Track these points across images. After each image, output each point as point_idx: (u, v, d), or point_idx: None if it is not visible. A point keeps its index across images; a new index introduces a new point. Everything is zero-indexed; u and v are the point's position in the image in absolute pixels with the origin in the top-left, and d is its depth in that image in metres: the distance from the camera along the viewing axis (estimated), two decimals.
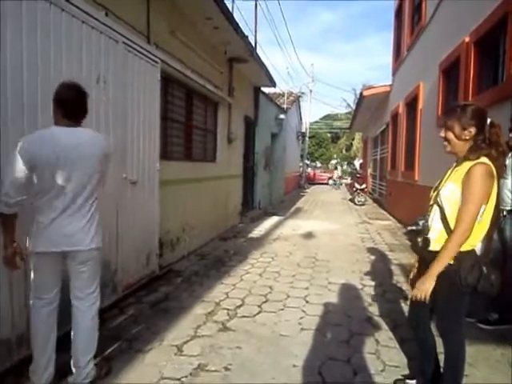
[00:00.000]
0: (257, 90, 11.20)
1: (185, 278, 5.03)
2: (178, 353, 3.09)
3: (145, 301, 4.18)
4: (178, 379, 2.71)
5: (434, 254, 2.24)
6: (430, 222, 2.29)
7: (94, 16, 3.38)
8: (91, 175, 2.45)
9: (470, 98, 5.40)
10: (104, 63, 3.59)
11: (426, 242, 2.28)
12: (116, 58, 3.78)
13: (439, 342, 2.43)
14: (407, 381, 2.67)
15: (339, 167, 33.43)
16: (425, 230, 2.31)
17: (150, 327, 3.54)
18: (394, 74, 12.69)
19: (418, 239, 2.39)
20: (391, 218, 11.54)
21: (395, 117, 11.76)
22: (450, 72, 6.59)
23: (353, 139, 43.13)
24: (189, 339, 3.33)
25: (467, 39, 5.63)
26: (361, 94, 14.29)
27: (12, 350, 2.67)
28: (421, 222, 2.39)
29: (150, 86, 4.53)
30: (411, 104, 9.57)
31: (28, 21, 2.67)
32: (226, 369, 2.87)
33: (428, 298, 2.11)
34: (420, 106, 8.53)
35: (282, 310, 4.05)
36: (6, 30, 2.51)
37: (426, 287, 2.11)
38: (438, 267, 2.09)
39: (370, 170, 19.11)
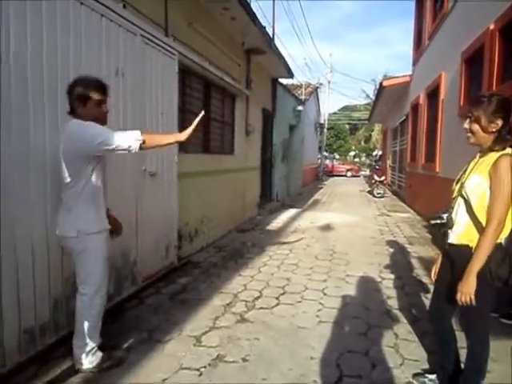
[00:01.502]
0: (274, 82, 11.13)
1: (203, 270, 5.07)
2: (196, 343, 3.12)
3: (164, 292, 4.23)
4: (197, 369, 2.74)
5: (458, 248, 2.19)
6: (453, 215, 2.24)
7: (112, 9, 3.39)
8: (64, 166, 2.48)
9: (494, 88, 5.25)
10: (122, 56, 3.61)
11: (449, 236, 2.24)
12: (134, 51, 3.80)
13: (460, 336, 2.39)
14: (427, 375, 2.64)
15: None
16: (449, 224, 2.26)
17: (169, 318, 3.58)
18: (414, 63, 12.44)
19: (441, 233, 2.34)
20: (410, 210, 11.38)
21: (415, 107, 11.54)
22: (473, 61, 6.41)
23: (372, 130, 42.61)
24: (207, 330, 3.36)
25: (492, 27, 5.46)
26: (381, 84, 14.06)
27: (35, 339, 2.74)
28: (444, 216, 2.34)
29: (168, 79, 4.54)
30: (432, 94, 9.37)
31: (48, 15, 2.70)
32: (244, 360, 2.89)
33: (474, 299, 2.02)
34: (441, 96, 8.34)
35: (300, 302, 4.05)
36: (27, 25, 2.54)
37: (469, 289, 2.02)
38: (477, 265, 2.01)
39: (389, 162, 18.85)
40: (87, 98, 2.47)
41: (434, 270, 2.53)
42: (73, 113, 2.52)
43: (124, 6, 3.79)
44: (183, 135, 2.52)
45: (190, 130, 2.53)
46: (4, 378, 2.48)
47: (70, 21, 2.91)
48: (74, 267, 2.66)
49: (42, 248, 2.74)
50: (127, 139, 2.37)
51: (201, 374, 2.69)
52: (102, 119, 2.56)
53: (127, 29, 3.66)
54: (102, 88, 2.54)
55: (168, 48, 4.48)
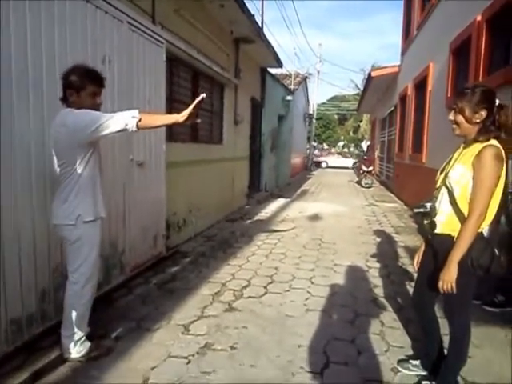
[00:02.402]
0: (263, 71, 11.08)
1: (192, 259, 5.08)
2: (185, 332, 3.15)
3: (152, 281, 4.24)
4: (185, 357, 2.77)
5: (441, 237, 2.24)
6: (437, 205, 2.27)
7: None
8: (56, 155, 2.48)
9: (481, 79, 5.31)
10: (109, 44, 3.56)
11: (433, 224, 2.28)
12: (121, 39, 3.75)
13: (442, 323, 2.45)
14: (411, 361, 2.71)
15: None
16: (432, 213, 2.30)
17: (158, 307, 3.59)
18: (403, 54, 12.48)
19: (424, 221, 2.38)
20: (398, 200, 11.51)
21: (404, 98, 11.60)
22: (461, 52, 6.46)
23: (360, 121, 42.72)
24: (196, 319, 3.38)
25: (479, 18, 5.50)
26: (369, 74, 14.09)
27: (22, 329, 2.73)
28: (428, 205, 2.38)
29: (156, 67, 4.49)
30: (420, 85, 9.43)
31: (31, 3, 2.64)
32: (232, 348, 2.92)
33: (455, 287, 2.06)
34: (429, 87, 8.40)
35: (288, 291, 4.09)
36: (10, 12, 2.48)
37: (451, 277, 2.05)
38: (458, 254, 2.04)
39: (377, 152, 18.98)
40: (82, 87, 2.44)
41: (417, 258, 2.59)
42: (65, 100, 2.49)
43: None
44: (182, 116, 2.44)
45: (188, 111, 2.43)
46: None
47: (54, 8, 2.85)
48: (64, 257, 2.66)
49: (29, 238, 2.71)
50: (124, 118, 2.33)
51: (189, 362, 2.71)
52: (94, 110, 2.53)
53: (113, 15, 3.60)
54: (98, 79, 2.53)
55: (155, 36, 4.43)
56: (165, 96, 4.77)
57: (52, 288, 2.93)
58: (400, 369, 2.69)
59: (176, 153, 5.39)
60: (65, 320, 2.64)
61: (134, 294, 3.87)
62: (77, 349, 2.65)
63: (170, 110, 5.42)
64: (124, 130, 2.36)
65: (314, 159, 30.43)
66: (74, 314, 2.60)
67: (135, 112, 2.35)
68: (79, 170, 2.47)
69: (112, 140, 3.61)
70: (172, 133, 5.51)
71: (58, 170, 2.49)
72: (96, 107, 2.54)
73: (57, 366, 2.59)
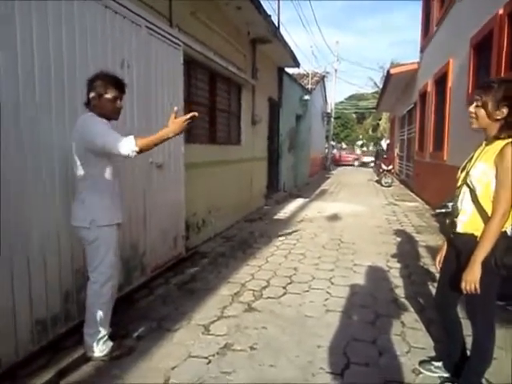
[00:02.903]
0: (280, 71, 11.07)
1: (211, 260, 5.11)
2: (205, 332, 3.17)
3: (172, 282, 4.28)
4: (206, 357, 2.79)
5: (463, 237, 2.19)
6: (459, 204, 2.23)
7: (116, 0, 3.38)
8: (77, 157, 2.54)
9: (503, 75, 5.19)
10: (127, 48, 3.61)
11: (455, 224, 2.24)
12: (139, 43, 3.80)
13: (465, 324, 2.40)
14: (433, 362, 2.67)
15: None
16: (454, 213, 2.25)
17: (178, 307, 3.63)
18: (422, 50, 12.28)
19: (446, 221, 2.34)
20: (418, 199, 11.33)
21: (423, 95, 11.43)
22: (482, 47, 6.33)
23: (379, 119, 42.22)
24: (215, 319, 3.40)
25: (501, 11, 5.38)
26: (388, 72, 13.92)
27: (47, 329, 2.80)
28: (450, 204, 2.33)
29: (173, 70, 4.54)
30: (440, 82, 9.27)
31: (53, 10, 2.71)
32: (252, 348, 2.93)
33: (478, 287, 2.02)
34: (449, 83, 8.25)
35: (307, 291, 4.07)
36: (32, 20, 2.55)
37: (474, 277, 2.01)
38: (481, 254, 2.00)
39: (396, 151, 18.73)
40: (103, 92, 2.54)
41: (439, 258, 2.54)
42: (88, 104, 2.59)
43: None
44: (172, 131, 2.48)
45: (175, 126, 2.49)
46: (17, 366, 2.54)
47: (74, 14, 2.91)
48: (85, 257, 2.72)
49: (53, 240, 2.79)
50: (124, 148, 2.37)
51: (209, 362, 2.73)
52: (114, 114, 2.64)
53: (132, 20, 3.66)
54: (119, 85, 2.61)
55: (173, 39, 4.47)
56: (183, 98, 4.82)
57: (75, 289, 3.00)
58: (422, 370, 2.66)
59: (194, 154, 5.43)
60: (87, 319, 2.70)
61: (155, 295, 3.92)
62: (99, 347, 2.71)
63: (189, 112, 5.46)
64: (123, 157, 2.44)
65: (342, 158, 30.33)
66: (96, 313, 2.66)
67: (132, 142, 2.37)
68: (95, 175, 2.55)
69: None
70: (190, 134, 5.55)
71: (76, 172, 2.57)
72: (116, 111, 2.65)
73: (80, 365, 2.64)
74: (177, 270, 4.65)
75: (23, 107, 2.52)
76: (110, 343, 2.77)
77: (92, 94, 2.55)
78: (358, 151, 30.44)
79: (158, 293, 3.97)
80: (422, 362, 2.71)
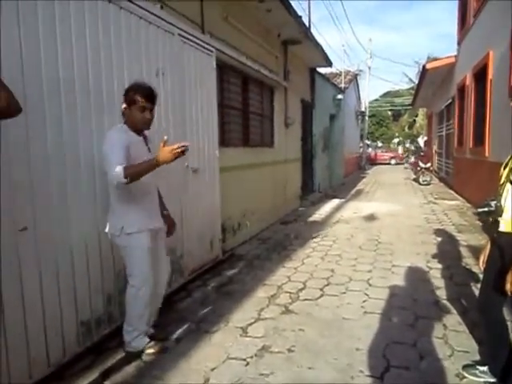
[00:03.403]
0: (312, 72, 11.01)
1: (247, 262, 5.14)
2: (242, 334, 3.20)
3: (210, 284, 4.34)
4: (244, 359, 2.81)
5: (507, 236, 2.12)
6: (502, 202, 2.15)
7: (150, 11, 3.49)
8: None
9: None
10: (161, 56, 3.71)
11: (498, 223, 2.16)
12: (172, 51, 3.89)
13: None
14: (478, 367, 2.57)
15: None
16: (497, 211, 2.18)
17: (216, 309, 3.68)
18: (459, 43, 11.89)
19: (489, 220, 2.27)
20: (459, 197, 10.95)
21: (462, 89, 11.05)
22: None
23: (416, 116, 41.10)
24: (253, 321, 3.42)
25: None
26: (423, 67, 13.56)
27: (91, 330, 2.91)
28: (492, 203, 2.26)
29: (206, 75, 4.61)
30: (480, 75, 8.93)
31: (90, 20, 2.83)
32: (290, 350, 2.93)
33: None
34: (490, 76, 7.93)
35: (345, 293, 4.03)
36: (71, 30, 2.67)
37: None
38: None
39: (435, 148, 18.19)
40: (133, 101, 2.61)
41: (482, 258, 2.46)
42: (123, 115, 2.69)
43: (161, 7, 3.89)
44: (164, 157, 2.41)
45: (170, 148, 2.41)
46: (64, 367, 2.65)
47: (110, 25, 3.03)
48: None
49: (95, 246, 2.90)
50: (114, 178, 2.41)
51: (247, 364, 2.75)
52: (143, 125, 2.68)
53: (165, 29, 3.75)
54: (148, 96, 2.65)
55: (205, 45, 4.55)
56: (216, 103, 4.89)
57: (117, 292, 3.10)
58: (466, 375, 2.57)
59: (229, 158, 5.50)
60: (126, 317, 2.82)
61: (193, 297, 3.99)
62: (134, 344, 2.82)
63: (222, 115, 5.55)
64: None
65: (378, 157, 29.86)
66: (132, 313, 2.78)
67: (121, 174, 2.37)
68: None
69: None
70: (224, 138, 5.62)
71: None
72: (144, 121, 2.68)
73: (123, 365, 2.73)
74: (214, 272, 4.71)
75: (65, 119, 2.63)
76: (146, 340, 2.87)
77: (123, 105, 2.65)
78: (400, 150, 29.64)
79: (196, 295, 4.04)
80: (465, 366, 2.62)
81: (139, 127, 2.70)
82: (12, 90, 1.59)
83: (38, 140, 2.45)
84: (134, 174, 2.42)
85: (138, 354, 2.82)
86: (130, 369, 2.71)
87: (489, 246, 2.42)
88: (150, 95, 2.66)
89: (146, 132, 2.85)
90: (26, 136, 2.36)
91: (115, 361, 2.79)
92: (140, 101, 2.62)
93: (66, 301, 2.68)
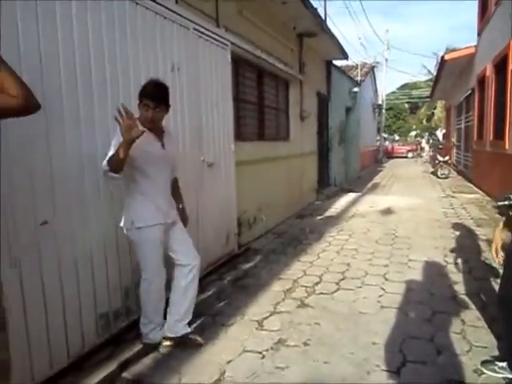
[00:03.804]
0: (328, 64, 10.91)
1: (263, 256, 5.16)
2: (258, 328, 3.21)
3: (226, 278, 4.37)
4: (260, 352, 2.83)
5: None
6: None
7: (165, 6, 3.50)
8: None
9: None
10: (177, 51, 3.72)
11: None
12: (188, 45, 3.90)
13: None
14: (497, 363, 2.54)
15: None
16: None
17: (232, 303, 3.70)
18: (479, 33, 11.61)
19: (510, 214, 2.23)
20: (479, 191, 10.75)
21: (482, 81, 10.81)
22: None
23: (434, 108, 40.41)
24: (268, 315, 3.43)
25: None
26: (442, 58, 13.30)
27: (110, 323, 2.97)
28: None
29: (221, 69, 4.61)
30: (500, 65, 8.72)
31: (106, 17, 2.85)
32: (305, 344, 2.93)
33: None
34: (511, 66, 7.74)
35: (361, 287, 4.01)
36: (88, 27, 2.70)
37: None
38: None
39: (453, 141, 17.87)
40: (140, 99, 2.63)
41: (495, 247, 2.42)
42: None
43: (176, 2, 3.90)
44: (121, 152, 2.36)
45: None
46: (83, 358, 2.71)
47: (126, 21, 3.05)
48: None
49: (112, 241, 2.95)
50: (103, 171, 2.49)
51: (263, 357, 2.77)
52: (145, 122, 2.62)
53: (180, 24, 3.76)
54: (150, 94, 2.60)
55: (220, 39, 4.55)
56: (231, 97, 4.89)
57: (134, 286, 3.14)
58: (484, 370, 2.53)
59: (244, 152, 5.50)
60: (142, 310, 2.86)
61: (209, 291, 4.02)
62: (151, 336, 2.86)
63: (238, 109, 5.54)
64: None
65: (395, 150, 29.52)
66: (147, 306, 2.82)
67: (105, 164, 2.44)
68: (129, 180, 2.66)
69: (183, 143, 3.79)
70: (239, 132, 5.62)
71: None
72: (147, 120, 2.62)
73: (141, 357, 2.77)
74: (230, 266, 4.74)
75: (82, 116, 2.67)
76: (162, 333, 2.90)
77: (137, 101, 2.66)
78: (424, 143, 29.07)
79: (212, 289, 4.07)
80: (484, 362, 2.59)
81: (145, 124, 2.69)
82: (31, 87, 1.62)
83: (57, 137, 2.49)
84: (111, 160, 2.42)
85: (155, 346, 2.87)
86: (147, 360, 2.75)
87: (498, 235, 2.39)
88: (152, 94, 2.60)
89: (165, 128, 2.86)
90: (45, 133, 2.40)
91: (133, 352, 2.83)
92: (144, 99, 2.60)
93: (85, 294, 2.73)
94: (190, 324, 2.98)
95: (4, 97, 1.53)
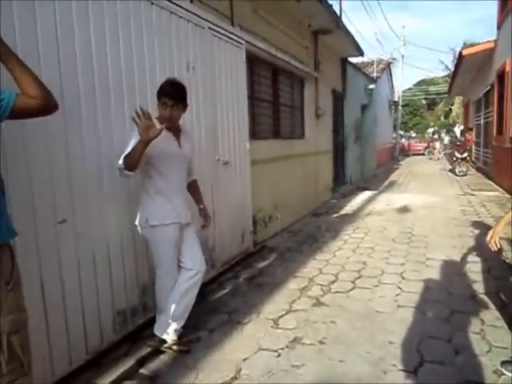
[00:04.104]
0: (344, 61, 10.82)
1: (278, 254, 5.16)
2: (274, 326, 3.22)
3: (241, 276, 4.38)
4: (275, 351, 2.83)
5: None
6: None
7: (180, 5, 3.51)
8: None
9: None
10: (192, 50, 3.74)
11: None
12: (203, 44, 3.91)
13: None
14: None
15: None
16: None
17: (247, 301, 3.71)
18: (499, 27, 11.37)
19: None
20: (499, 188, 10.55)
21: (501, 75, 10.58)
22: None
23: (452, 104, 39.74)
24: (284, 313, 3.43)
25: None
26: (460, 53, 13.06)
27: (127, 320, 3.01)
28: None
29: (236, 68, 4.62)
30: None
31: (122, 17, 2.88)
32: (321, 342, 2.93)
33: None
34: None
35: (377, 286, 3.98)
36: (105, 27, 2.73)
37: None
38: None
39: (472, 137, 17.56)
40: (158, 98, 2.66)
41: (491, 234, 2.40)
42: None
43: (191, 1, 3.91)
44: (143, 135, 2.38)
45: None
46: (101, 355, 2.76)
47: (142, 21, 3.08)
48: None
49: (129, 239, 2.99)
50: (119, 170, 2.51)
51: (279, 355, 2.77)
52: (163, 120, 2.63)
53: (195, 23, 3.78)
54: (166, 92, 2.64)
55: (235, 38, 4.55)
56: (247, 95, 4.89)
57: (151, 283, 3.17)
58: (504, 371, 2.49)
59: (259, 150, 5.50)
60: (157, 308, 2.89)
61: (225, 289, 4.04)
62: (166, 333, 2.83)
63: (253, 107, 5.54)
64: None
65: (412, 147, 29.14)
66: (161, 303, 2.84)
67: (122, 163, 2.46)
68: (144, 178, 2.70)
69: (199, 142, 3.81)
70: (254, 130, 5.63)
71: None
72: (165, 118, 2.65)
73: (158, 354, 2.80)
74: (245, 264, 4.75)
75: (101, 115, 2.71)
76: (177, 331, 2.87)
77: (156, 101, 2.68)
78: (446, 140, 28.40)
79: (228, 287, 4.09)
80: (504, 363, 2.55)
81: (163, 122, 2.71)
82: (49, 88, 1.65)
83: (75, 137, 2.53)
84: (127, 159, 2.45)
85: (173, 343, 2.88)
86: (164, 357, 2.78)
87: (502, 226, 2.36)
88: (169, 92, 2.63)
89: (183, 127, 2.89)
90: (63, 133, 2.44)
91: (150, 350, 2.85)
92: (161, 97, 2.63)
93: (103, 291, 2.77)
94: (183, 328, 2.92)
95: (23, 98, 1.57)
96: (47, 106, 1.65)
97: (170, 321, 2.81)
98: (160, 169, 2.68)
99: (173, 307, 2.78)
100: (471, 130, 16.93)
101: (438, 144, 25.53)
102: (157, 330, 2.85)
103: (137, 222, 2.76)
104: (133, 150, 2.42)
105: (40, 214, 2.30)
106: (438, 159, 22.85)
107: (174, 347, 2.84)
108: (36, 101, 1.58)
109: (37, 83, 1.60)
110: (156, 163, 2.65)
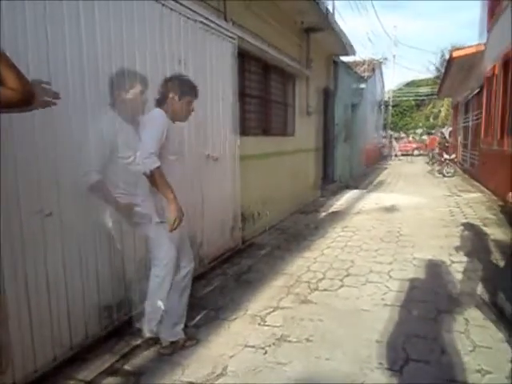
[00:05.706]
0: (335, 60, 10.84)
1: (266, 252, 5.15)
2: (261, 323, 3.21)
3: (229, 273, 4.37)
4: (262, 348, 2.82)
5: None
6: None
7: None
8: None
9: None
10: (183, 44, 3.69)
11: None
12: (195, 38, 3.87)
13: None
14: None
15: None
16: None
17: (235, 298, 3.70)
18: (488, 30, 11.48)
19: None
20: (485, 189, 10.67)
21: (490, 78, 10.70)
22: None
23: (441, 106, 40.16)
24: (271, 310, 3.43)
25: None
26: (450, 55, 13.17)
27: (113, 315, 2.97)
28: None
29: (228, 64, 4.59)
30: (510, 63, 8.63)
31: (114, 9, 2.83)
32: (308, 340, 2.93)
33: None
34: None
35: (365, 284, 4.00)
36: (95, 18, 2.68)
37: None
38: None
39: (460, 139, 17.75)
40: (181, 96, 2.68)
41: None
42: (160, 102, 2.70)
43: None
44: (172, 210, 2.52)
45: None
46: (87, 349, 2.72)
47: (133, 13, 3.02)
48: (147, 250, 2.87)
49: (117, 233, 2.94)
50: (144, 166, 2.45)
51: (266, 353, 2.76)
52: (185, 118, 2.78)
53: (188, 16, 3.73)
54: (192, 91, 2.77)
55: (227, 33, 4.52)
56: (237, 92, 4.86)
57: (137, 279, 3.13)
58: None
59: (249, 146, 5.47)
60: (148, 304, 2.81)
61: (212, 285, 4.02)
62: (155, 330, 2.81)
63: (243, 104, 5.51)
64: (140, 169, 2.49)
65: (401, 147, 29.22)
66: (155, 302, 2.77)
67: (152, 166, 2.43)
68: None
69: (189, 137, 3.77)
70: (245, 127, 5.60)
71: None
72: (189, 114, 2.82)
73: (143, 350, 2.78)
74: (233, 261, 4.74)
75: (89, 104, 2.66)
76: (177, 330, 2.85)
77: (171, 94, 2.65)
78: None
79: (216, 283, 4.07)
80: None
81: (178, 119, 2.72)
82: (54, 81, 1.62)
83: (65, 128, 2.48)
84: (158, 179, 2.47)
85: (158, 340, 2.85)
86: (149, 354, 2.75)
87: None
88: (195, 90, 2.77)
89: None
90: (51, 123, 2.39)
91: (135, 345, 2.83)
92: (187, 96, 2.69)
93: (89, 285, 2.73)
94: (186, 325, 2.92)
95: (3, 89, 1.52)
96: (27, 98, 1.61)
97: (176, 321, 2.80)
98: (167, 161, 2.64)
99: (176, 308, 2.79)
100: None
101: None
102: (167, 336, 2.79)
103: (137, 219, 2.71)
104: (165, 190, 2.50)
105: (25, 206, 2.25)
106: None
107: (187, 343, 2.84)
108: (16, 93, 1.54)
109: (17, 75, 1.55)
110: (166, 156, 2.62)
